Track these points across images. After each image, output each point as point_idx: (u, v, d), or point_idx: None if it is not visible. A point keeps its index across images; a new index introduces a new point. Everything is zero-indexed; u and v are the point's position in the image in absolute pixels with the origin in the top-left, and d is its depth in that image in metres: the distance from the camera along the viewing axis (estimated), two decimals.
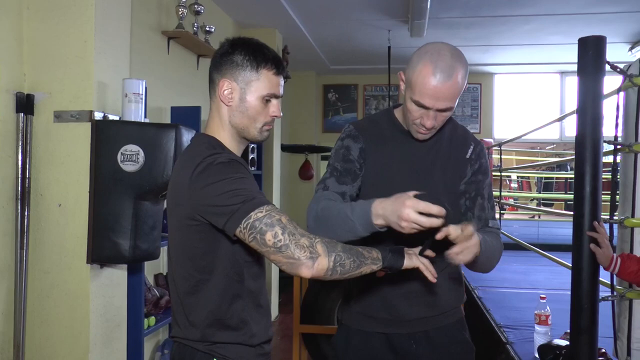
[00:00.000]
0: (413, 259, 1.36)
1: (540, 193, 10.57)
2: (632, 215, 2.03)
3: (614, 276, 2.00)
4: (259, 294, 1.44)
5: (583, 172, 1.97)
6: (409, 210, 1.27)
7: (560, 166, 9.96)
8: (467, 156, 1.63)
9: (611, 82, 2.09)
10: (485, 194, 1.62)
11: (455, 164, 1.62)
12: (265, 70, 1.39)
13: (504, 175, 8.03)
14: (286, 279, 5.71)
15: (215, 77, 1.42)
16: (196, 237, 1.34)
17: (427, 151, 1.61)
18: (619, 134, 2.10)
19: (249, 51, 1.39)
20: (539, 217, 8.34)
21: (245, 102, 1.39)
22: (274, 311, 5.84)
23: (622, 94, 2.11)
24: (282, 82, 1.44)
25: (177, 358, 1.40)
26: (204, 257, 1.35)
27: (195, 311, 1.37)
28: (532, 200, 10.51)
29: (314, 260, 1.23)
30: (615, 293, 2.06)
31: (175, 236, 1.40)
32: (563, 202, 9.47)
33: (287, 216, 1.28)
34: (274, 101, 1.42)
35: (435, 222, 1.28)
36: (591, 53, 1.97)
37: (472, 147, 1.64)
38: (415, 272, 1.43)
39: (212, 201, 1.27)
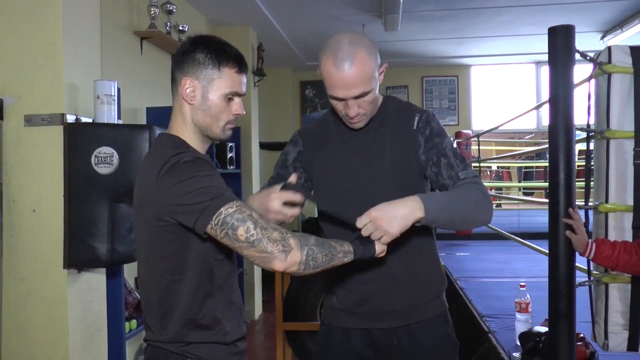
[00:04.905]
0: (382, 245, 1.39)
1: (520, 182, 10.67)
2: (606, 201, 2.05)
3: (590, 261, 2.02)
4: (231, 292, 1.43)
5: (557, 160, 2.00)
6: (275, 202, 1.43)
7: (540, 155, 10.05)
8: (414, 127, 1.60)
9: (582, 70, 2.11)
10: (449, 152, 1.57)
11: (405, 138, 1.60)
12: (227, 69, 1.38)
13: (483, 166, 8.08)
14: (269, 277, 5.70)
15: (177, 76, 1.40)
16: (165, 238, 1.33)
17: (375, 134, 1.62)
18: (591, 121, 2.13)
19: (210, 49, 1.37)
20: (501, 207, 8.42)
21: (208, 101, 1.38)
22: (258, 310, 5.82)
23: (593, 81, 2.13)
24: (244, 79, 1.43)
25: None
26: (174, 258, 1.34)
27: (167, 313, 1.35)
28: (509, 189, 10.60)
29: (287, 254, 1.23)
30: (591, 278, 2.09)
31: (143, 238, 1.39)
32: (543, 190, 9.57)
33: (257, 211, 1.29)
34: (236, 99, 1.42)
35: (296, 211, 1.45)
36: (561, 42, 1.99)
37: (417, 117, 1.61)
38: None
39: (180, 200, 1.26)
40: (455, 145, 1.68)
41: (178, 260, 1.34)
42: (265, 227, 1.24)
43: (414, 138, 1.59)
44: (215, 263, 1.37)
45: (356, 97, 1.48)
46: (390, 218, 1.33)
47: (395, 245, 1.42)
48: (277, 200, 1.43)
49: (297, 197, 1.43)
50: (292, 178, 1.47)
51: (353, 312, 1.65)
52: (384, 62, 1.54)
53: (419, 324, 1.64)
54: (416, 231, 1.46)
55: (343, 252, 1.33)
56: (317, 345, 1.75)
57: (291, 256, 1.24)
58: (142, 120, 3.84)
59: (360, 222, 1.35)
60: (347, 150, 1.63)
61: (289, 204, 1.45)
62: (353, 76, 1.44)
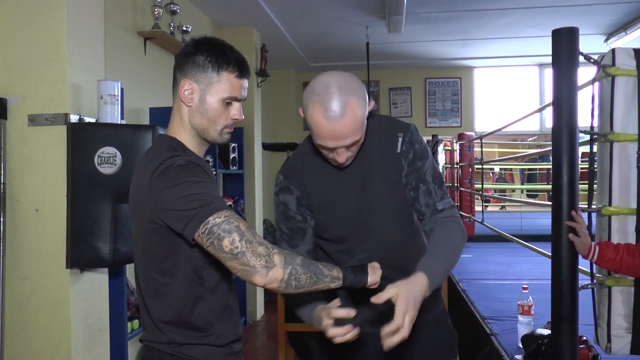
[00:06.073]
0: (377, 274, 1.37)
1: (523, 184, 10.67)
2: (609, 204, 2.04)
3: (593, 264, 2.02)
4: (225, 295, 1.43)
5: (560, 162, 1.99)
6: (327, 331, 1.36)
7: (543, 157, 10.05)
8: (399, 150, 1.55)
9: (586, 73, 2.11)
10: (428, 177, 1.56)
11: (390, 162, 1.56)
12: (227, 73, 1.37)
13: (486, 168, 8.08)
14: None
15: (177, 77, 1.40)
16: (157, 240, 1.32)
17: (361, 161, 1.56)
18: (595, 124, 2.12)
19: (211, 52, 1.36)
20: (504, 208, 8.41)
21: (205, 104, 1.37)
22: (260, 310, 5.82)
23: (596, 84, 2.12)
24: (245, 84, 1.41)
25: None
26: (165, 260, 1.34)
27: (160, 314, 1.36)
28: (513, 191, 10.60)
29: (269, 270, 1.22)
30: (594, 281, 2.08)
31: (137, 239, 1.39)
32: (546, 193, 9.56)
33: (246, 223, 1.27)
34: (235, 104, 1.40)
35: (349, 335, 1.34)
36: (565, 44, 1.99)
37: (400, 138, 1.56)
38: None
39: (171, 205, 1.25)
40: (436, 164, 1.64)
41: (168, 263, 1.34)
42: (250, 241, 1.23)
43: (398, 162, 1.56)
44: (204, 267, 1.36)
45: (347, 146, 1.43)
46: (414, 301, 1.32)
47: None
48: (327, 330, 1.36)
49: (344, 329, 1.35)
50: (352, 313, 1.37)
51: (360, 319, 1.65)
52: (371, 98, 1.47)
53: (424, 323, 1.65)
54: (415, 246, 1.57)
55: (331, 277, 1.31)
56: (320, 346, 1.75)
57: (273, 272, 1.22)
58: (145, 120, 3.85)
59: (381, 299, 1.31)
60: (337, 182, 1.58)
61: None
62: (346, 127, 1.37)
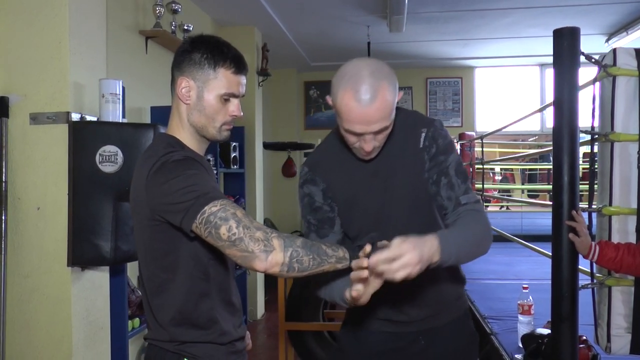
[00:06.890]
0: None
1: (523, 184, 10.65)
2: (610, 204, 2.05)
3: (594, 264, 2.02)
4: (229, 292, 1.43)
5: (561, 162, 2.00)
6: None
7: (543, 157, 10.04)
8: (421, 145, 1.53)
9: (587, 73, 2.11)
10: (451, 171, 1.52)
11: (413, 156, 1.53)
12: (223, 69, 1.37)
13: (487, 168, 8.08)
14: (272, 277, 5.69)
15: (175, 75, 1.40)
16: (157, 237, 1.33)
17: (385, 156, 1.53)
18: (596, 124, 2.13)
19: (207, 49, 1.36)
20: (507, 209, 8.39)
21: (203, 101, 1.37)
22: (260, 309, 5.82)
23: (597, 84, 2.12)
24: (243, 80, 1.41)
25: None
26: (167, 257, 1.34)
27: (162, 311, 1.36)
28: (512, 190, 10.59)
29: (268, 254, 1.21)
30: (594, 281, 2.09)
31: (139, 236, 1.39)
32: (547, 193, 9.55)
33: (243, 210, 1.27)
34: (233, 100, 1.40)
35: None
36: (566, 44, 2.00)
37: (424, 133, 1.53)
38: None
39: (168, 199, 1.26)
40: (460, 161, 1.58)
41: (170, 259, 1.34)
42: (248, 227, 1.22)
43: (420, 157, 1.53)
44: (210, 263, 1.37)
45: (375, 133, 1.40)
46: (421, 252, 1.23)
47: None
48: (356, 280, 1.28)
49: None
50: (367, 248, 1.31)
51: (381, 318, 1.64)
52: (398, 88, 1.44)
53: (445, 324, 1.65)
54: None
55: (336, 258, 1.29)
56: (340, 342, 1.74)
57: (272, 256, 1.21)
58: (147, 119, 3.85)
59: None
60: (361, 175, 1.56)
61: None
62: (376, 112, 1.34)
